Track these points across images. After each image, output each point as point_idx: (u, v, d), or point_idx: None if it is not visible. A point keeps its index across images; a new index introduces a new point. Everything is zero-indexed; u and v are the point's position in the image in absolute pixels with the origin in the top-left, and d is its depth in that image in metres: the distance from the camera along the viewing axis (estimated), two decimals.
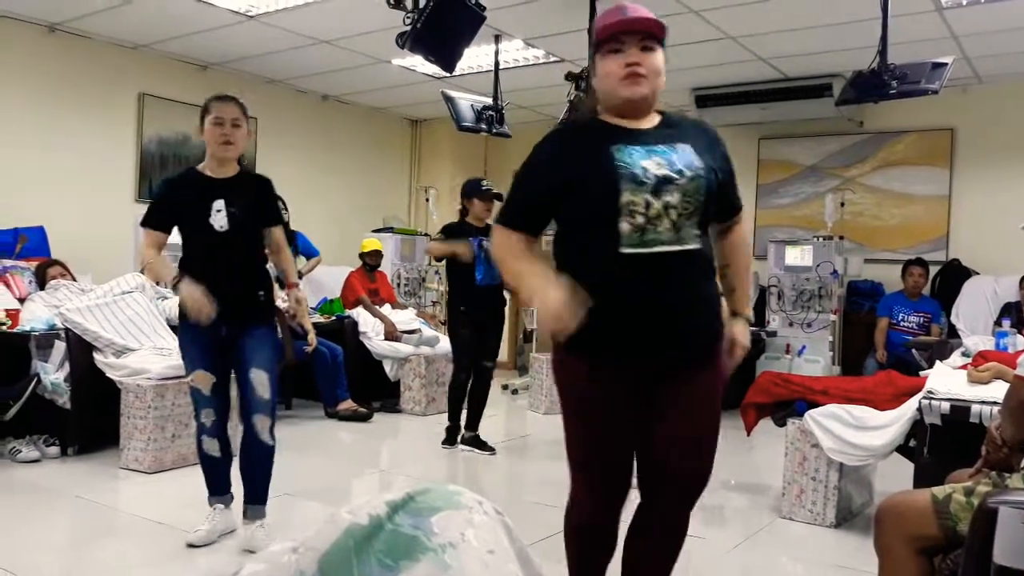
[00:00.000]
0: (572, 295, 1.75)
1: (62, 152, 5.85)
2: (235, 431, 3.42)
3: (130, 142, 6.28)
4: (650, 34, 1.90)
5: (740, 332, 2.02)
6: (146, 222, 3.09)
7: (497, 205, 4.83)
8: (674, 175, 1.84)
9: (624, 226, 1.81)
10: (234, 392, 3.19)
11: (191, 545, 3.03)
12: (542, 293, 1.78)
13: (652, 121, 1.97)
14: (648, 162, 1.84)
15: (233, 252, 3.03)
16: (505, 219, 1.99)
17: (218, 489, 3.18)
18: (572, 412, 1.98)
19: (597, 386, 1.90)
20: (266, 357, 3.03)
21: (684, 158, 1.88)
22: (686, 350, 1.91)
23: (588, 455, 1.98)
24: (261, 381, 3.00)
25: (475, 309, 4.72)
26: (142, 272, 5.32)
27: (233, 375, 3.13)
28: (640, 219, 1.81)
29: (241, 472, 3.11)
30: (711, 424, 2.00)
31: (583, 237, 1.89)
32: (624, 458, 1.98)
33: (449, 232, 4.78)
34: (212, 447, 3.11)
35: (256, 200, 3.08)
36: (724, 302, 2.06)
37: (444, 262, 4.91)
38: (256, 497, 3.09)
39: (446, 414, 4.98)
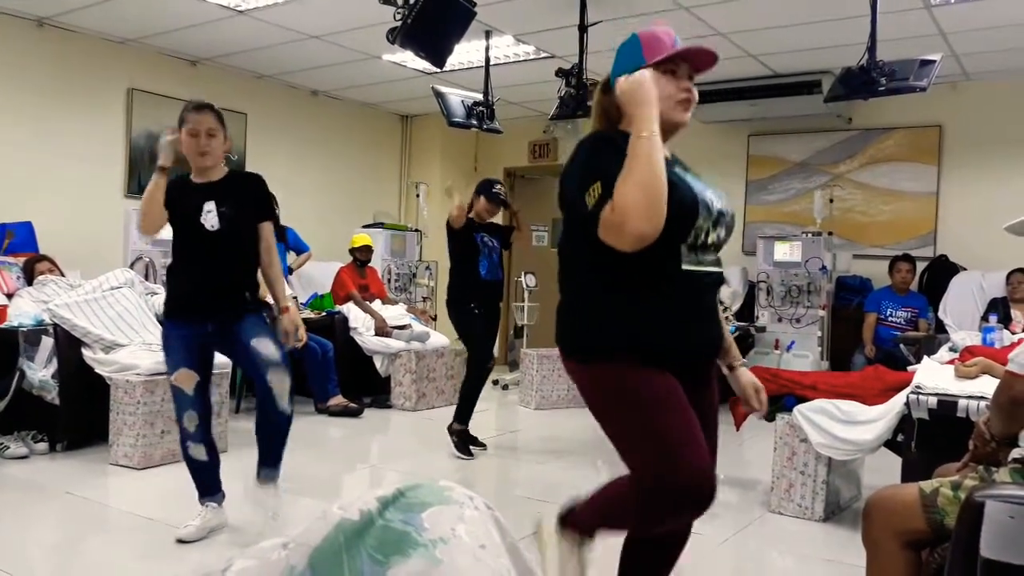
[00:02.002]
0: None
1: (50, 147, 5.81)
2: (224, 426, 3.42)
3: (119, 137, 6.25)
4: (699, 68, 1.97)
5: (754, 377, 2.20)
6: None
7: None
8: (724, 211, 1.96)
9: (684, 247, 1.86)
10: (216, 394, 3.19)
11: (181, 541, 3.03)
12: (641, 118, 1.78)
13: (666, 150, 1.96)
14: (709, 194, 1.92)
15: (224, 251, 3.02)
16: (605, 195, 1.77)
17: (209, 490, 3.17)
18: (638, 398, 1.84)
19: (654, 373, 1.84)
20: (263, 328, 3.05)
21: (723, 197, 2.00)
22: (712, 358, 2.08)
23: (681, 420, 1.83)
24: (265, 344, 3.00)
25: (480, 305, 4.71)
26: (131, 268, 5.32)
27: (227, 368, 3.14)
28: (699, 239, 1.88)
29: (258, 437, 3.13)
30: (716, 430, 2.09)
31: (645, 251, 1.76)
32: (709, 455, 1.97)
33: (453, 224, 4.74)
34: (199, 452, 3.10)
35: (248, 197, 3.08)
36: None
37: (450, 257, 4.85)
38: (270, 460, 3.10)
39: (442, 410, 4.91)
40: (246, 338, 3.00)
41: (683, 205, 1.80)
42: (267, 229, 3.11)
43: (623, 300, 1.85)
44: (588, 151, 1.87)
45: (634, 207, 1.69)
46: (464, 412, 4.71)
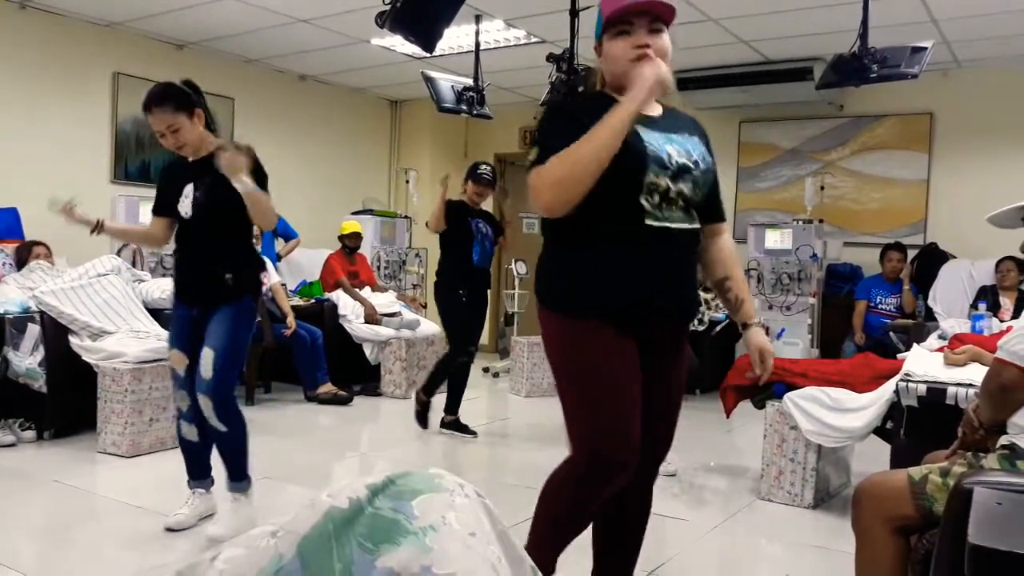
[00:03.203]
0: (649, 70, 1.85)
1: (35, 132, 5.74)
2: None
3: (105, 122, 6.18)
4: (659, 16, 1.91)
5: (765, 340, 2.10)
6: (152, 210, 3.14)
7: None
8: (691, 165, 1.93)
9: (644, 202, 1.88)
10: None
11: (169, 529, 3.01)
12: (631, 97, 1.82)
13: (657, 108, 2.00)
14: (671, 148, 1.91)
15: (197, 236, 2.98)
16: (539, 163, 1.88)
17: (197, 473, 3.16)
18: (583, 365, 1.91)
19: (610, 340, 1.89)
20: (218, 334, 2.93)
21: (698, 150, 1.97)
22: (683, 319, 2.05)
23: (606, 389, 1.89)
24: (206, 360, 2.91)
25: (469, 291, 4.70)
26: (118, 255, 5.28)
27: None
28: (657, 198, 1.89)
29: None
30: (682, 392, 2.14)
31: (601, 208, 1.85)
32: (638, 400, 1.93)
33: (449, 208, 4.68)
34: (190, 432, 3.08)
35: (218, 178, 2.94)
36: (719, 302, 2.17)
37: (440, 242, 4.84)
38: (230, 474, 3.06)
39: (432, 398, 4.86)
40: (205, 336, 2.94)
41: (626, 159, 1.82)
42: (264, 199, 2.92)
43: (585, 256, 1.91)
44: (544, 119, 1.99)
45: (548, 178, 1.82)
46: (430, 387, 4.78)
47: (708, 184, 1.99)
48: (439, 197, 4.64)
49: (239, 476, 3.06)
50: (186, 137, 2.95)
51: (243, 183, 2.80)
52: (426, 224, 4.82)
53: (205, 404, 2.93)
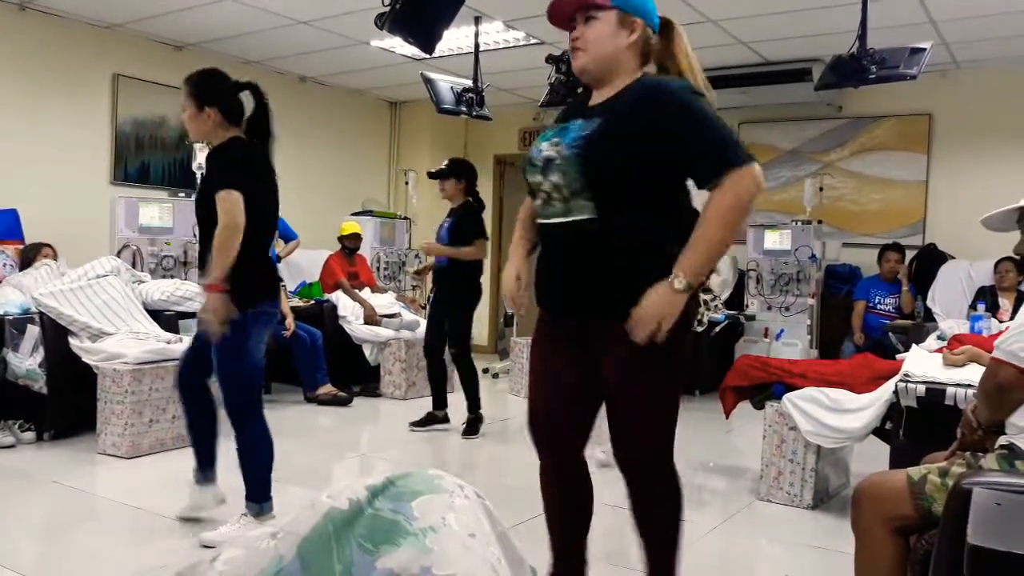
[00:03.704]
0: (521, 269, 2.08)
1: (35, 134, 5.74)
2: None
3: (105, 124, 6.18)
4: (584, 7, 1.94)
5: (649, 301, 1.79)
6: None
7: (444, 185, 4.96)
8: (554, 155, 1.92)
9: (537, 201, 1.99)
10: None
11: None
12: (506, 268, 2.09)
13: (612, 91, 1.96)
14: (547, 143, 1.97)
15: (203, 238, 2.95)
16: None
17: (197, 457, 3.12)
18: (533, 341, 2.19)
19: (543, 332, 2.11)
20: (215, 362, 2.91)
21: (575, 135, 1.89)
22: (588, 314, 1.95)
23: (530, 394, 2.14)
24: (218, 386, 2.99)
25: (434, 289, 4.93)
26: (118, 256, 5.28)
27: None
28: (543, 195, 1.96)
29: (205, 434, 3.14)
30: (627, 400, 1.97)
31: None
32: (555, 407, 2.08)
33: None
34: (180, 398, 3.12)
35: (207, 174, 2.93)
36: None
37: None
38: (246, 490, 2.97)
39: (431, 399, 5.00)
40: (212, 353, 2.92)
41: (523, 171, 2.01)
42: (221, 200, 2.75)
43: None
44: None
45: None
46: (471, 401, 4.94)
47: (578, 166, 1.85)
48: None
49: (251, 495, 2.96)
50: (190, 123, 2.95)
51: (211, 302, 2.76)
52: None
53: (229, 421, 2.96)
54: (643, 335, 1.80)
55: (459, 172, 4.85)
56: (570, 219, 1.90)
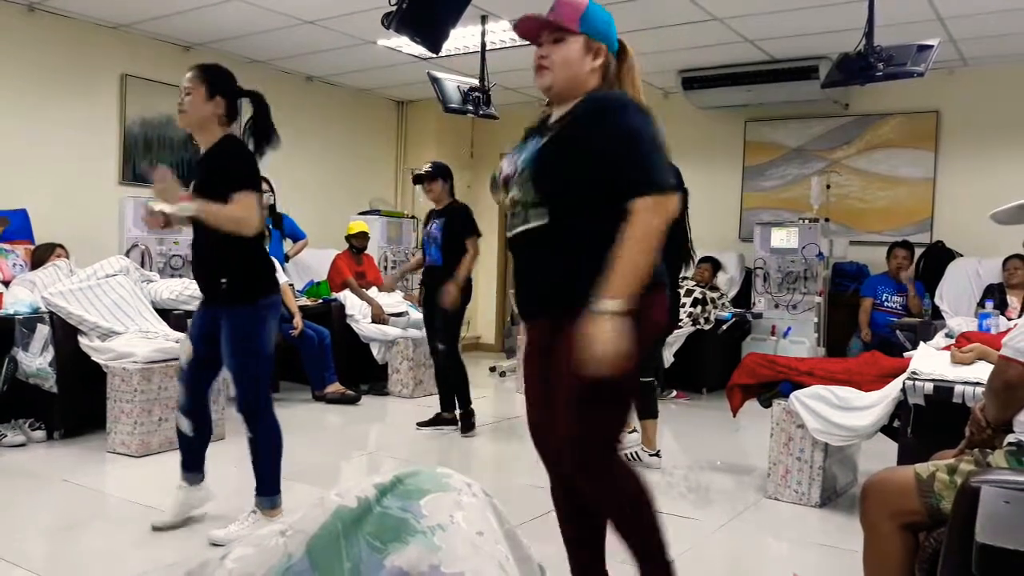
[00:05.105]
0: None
1: (44, 134, 5.77)
2: (222, 413, 3.38)
3: (113, 124, 6.21)
4: (555, 27, 2.03)
5: (580, 338, 1.80)
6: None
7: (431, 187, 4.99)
8: (511, 172, 2.03)
9: (507, 216, 2.09)
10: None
11: (155, 528, 3.04)
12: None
13: (565, 108, 2.04)
14: (506, 161, 2.08)
15: (198, 235, 2.97)
16: None
17: (187, 465, 3.14)
18: None
19: (528, 347, 2.20)
20: (226, 354, 2.93)
21: (528, 152, 2.01)
22: (546, 314, 2.06)
23: (526, 410, 2.20)
24: (230, 379, 3.02)
25: (424, 289, 4.95)
26: (127, 255, 5.31)
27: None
28: (508, 210, 2.07)
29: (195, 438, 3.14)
30: (564, 392, 1.96)
31: None
32: (546, 419, 2.09)
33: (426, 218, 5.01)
34: (183, 424, 3.10)
35: (209, 172, 2.92)
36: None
37: None
38: (257, 484, 3.00)
39: (447, 398, 5.00)
40: (223, 357, 2.97)
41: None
42: (240, 202, 2.79)
43: None
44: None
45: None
46: (464, 398, 4.94)
47: (528, 179, 1.95)
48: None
49: (262, 489, 2.99)
50: (188, 105, 2.92)
51: (180, 209, 2.75)
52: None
53: (242, 417, 2.98)
54: (590, 372, 1.78)
55: (445, 173, 4.92)
56: (523, 228, 2.02)
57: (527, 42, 2.12)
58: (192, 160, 3.05)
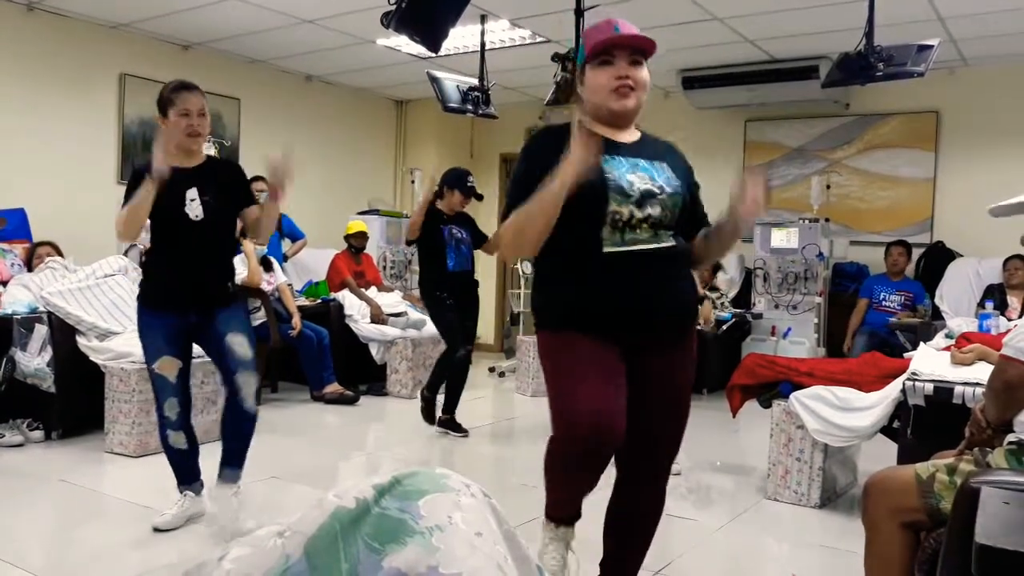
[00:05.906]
0: (581, 141, 1.90)
1: (42, 133, 5.77)
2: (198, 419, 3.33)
3: (111, 123, 6.20)
4: (640, 49, 2.04)
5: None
6: (125, 202, 3.00)
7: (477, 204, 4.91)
8: (655, 190, 2.04)
9: (606, 231, 2.01)
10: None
11: (156, 529, 3.02)
12: (564, 171, 1.89)
13: (633, 135, 2.13)
14: (633, 176, 2.02)
15: (207, 240, 2.99)
16: (505, 215, 2.08)
17: (187, 478, 3.15)
18: (564, 356, 2.06)
19: (583, 346, 2.05)
20: (240, 322, 3.05)
21: (663, 175, 2.08)
22: (663, 329, 2.10)
23: (587, 365, 2.01)
24: (240, 342, 2.98)
25: (450, 294, 4.73)
26: (125, 255, 5.29)
27: (204, 359, 3.20)
28: (621, 225, 2.01)
29: (222, 435, 3.09)
30: (685, 392, 2.19)
31: (567, 237, 2.01)
32: (621, 406, 2.00)
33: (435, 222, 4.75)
34: (179, 440, 3.07)
35: (228, 185, 3.05)
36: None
37: (416, 249, 4.90)
38: (233, 459, 3.05)
39: (438, 397, 4.90)
40: (222, 331, 2.98)
41: (587, 196, 1.95)
42: (254, 210, 3.10)
43: (560, 281, 2.08)
44: (518, 162, 2.10)
45: (504, 239, 2.06)
46: (433, 384, 4.86)
47: (679, 206, 2.08)
48: (423, 201, 4.69)
49: (241, 462, 3.08)
50: (205, 127, 3.02)
51: (284, 196, 2.95)
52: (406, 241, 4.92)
53: (248, 384, 2.99)
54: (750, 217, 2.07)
55: None
56: (657, 246, 2.04)
57: (603, 54, 2.03)
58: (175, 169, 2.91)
